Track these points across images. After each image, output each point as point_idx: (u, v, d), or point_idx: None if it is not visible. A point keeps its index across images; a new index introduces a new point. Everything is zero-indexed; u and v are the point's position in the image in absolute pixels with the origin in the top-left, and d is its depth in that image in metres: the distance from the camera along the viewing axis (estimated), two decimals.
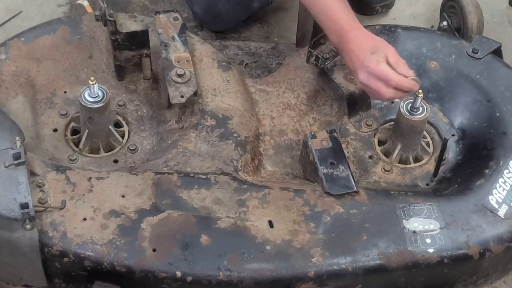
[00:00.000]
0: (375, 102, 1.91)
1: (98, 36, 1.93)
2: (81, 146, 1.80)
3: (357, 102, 1.88)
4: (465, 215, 1.66)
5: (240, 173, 1.71)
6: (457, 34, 2.22)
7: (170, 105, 1.81)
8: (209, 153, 1.74)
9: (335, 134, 1.74)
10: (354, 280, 1.60)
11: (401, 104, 1.78)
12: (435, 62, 1.93)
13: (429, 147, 1.88)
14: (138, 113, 1.89)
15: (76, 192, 1.61)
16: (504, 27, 2.47)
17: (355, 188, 1.67)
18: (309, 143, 1.72)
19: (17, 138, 1.60)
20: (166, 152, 1.76)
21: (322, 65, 1.91)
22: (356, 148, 1.87)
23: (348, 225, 1.63)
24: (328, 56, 1.91)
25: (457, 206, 1.68)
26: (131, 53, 1.86)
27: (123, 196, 1.62)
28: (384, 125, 1.91)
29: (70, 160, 1.78)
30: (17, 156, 1.55)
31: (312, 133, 1.74)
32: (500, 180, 1.72)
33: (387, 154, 1.86)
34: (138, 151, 1.83)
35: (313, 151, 1.70)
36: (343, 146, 1.79)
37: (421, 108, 1.77)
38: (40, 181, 1.60)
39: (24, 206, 1.50)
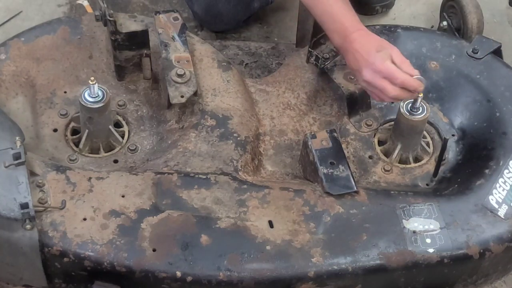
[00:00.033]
0: (375, 102, 1.91)
1: (98, 36, 1.93)
2: (81, 146, 1.80)
3: (357, 102, 1.88)
4: (465, 215, 1.66)
5: (240, 173, 1.71)
6: (457, 34, 2.22)
7: (170, 105, 1.81)
8: (209, 153, 1.74)
9: (335, 134, 1.74)
10: (354, 280, 1.60)
11: (401, 104, 1.78)
12: (435, 62, 1.93)
13: (429, 147, 1.88)
14: (138, 113, 1.89)
15: (76, 192, 1.61)
16: (504, 27, 2.47)
17: (355, 188, 1.67)
18: (309, 143, 1.72)
19: (17, 138, 1.60)
20: (166, 152, 1.76)
21: (322, 65, 1.91)
22: (356, 148, 1.87)
23: (348, 225, 1.63)
24: (328, 56, 1.91)
25: (457, 206, 1.68)
26: (131, 53, 1.86)
27: (123, 196, 1.62)
28: (384, 125, 1.91)
29: (70, 160, 1.78)
30: (17, 156, 1.55)
31: (312, 133, 1.74)
32: (500, 180, 1.72)
33: (387, 154, 1.86)
34: (138, 151, 1.83)
35: (313, 151, 1.70)
36: (343, 146, 1.79)
37: (421, 108, 1.77)
38: (40, 181, 1.60)
39: (24, 206, 1.50)
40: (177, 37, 1.87)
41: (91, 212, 1.58)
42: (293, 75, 1.96)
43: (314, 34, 1.91)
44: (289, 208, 1.64)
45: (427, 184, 1.81)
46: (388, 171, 1.83)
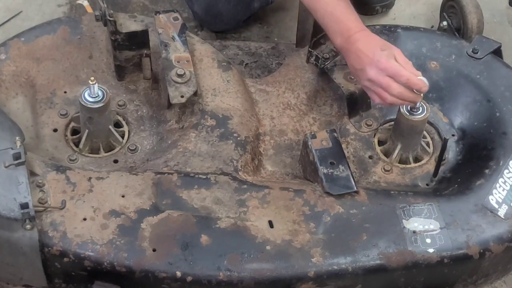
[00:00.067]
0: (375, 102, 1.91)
1: (98, 36, 1.93)
2: (81, 146, 1.80)
3: (357, 102, 1.88)
4: (465, 215, 1.66)
5: (240, 173, 1.71)
6: (457, 34, 2.22)
7: (170, 105, 1.81)
8: (209, 153, 1.74)
9: (335, 134, 1.74)
10: (354, 280, 1.60)
11: None
12: (435, 62, 1.93)
13: (429, 147, 1.88)
14: (138, 113, 1.89)
15: (76, 192, 1.61)
16: (504, 27, 2.47)
17: (355, 188, 1.67)
18: (309, 143, 1.72)
19: (17, 138, 1.60)
20: (166, 152, 1.76)
21: (322, 65, 1.91)
22: (356, 148, 1.87)
23: (348, 225, 1.63)
24: (328, 56, 1.91)
25: (457, 206, 1.68)
26: (131, 53, 1.86)
27: (123, 196, 1.62)
28: (384, 125, 1.91)
29: (70, 160, 1.78)
30: (17, 156, 1.55)
31: (312, 133, 1.74)
32: (500, 180, 1.72)
33: (387, 154, 1.86)
34: (138, 151, 1.83)
35: (313, 151, 1.70)
36: (343, 146, 1.79)
37: (421, 108, 1.77)
38: (40, 181, 1.60)
39: (24, 206, 1.50)
40: (177, 37, 1.87)
41: (91, 212, 1.58)
42: (293, 75, 1.96)
43: (314, 34, 1.91)
44: (289, 208, 1.64)
45: (427, 184, 1.81)
46: (388, 171, 1.83)
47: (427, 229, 1.63)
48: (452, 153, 1.86)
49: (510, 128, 1.81)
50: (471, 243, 1.63)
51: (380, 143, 1.89)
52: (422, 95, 1.73)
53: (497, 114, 1.84)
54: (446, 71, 1.92)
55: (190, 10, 2.35)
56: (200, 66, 1.89)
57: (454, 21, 2.26)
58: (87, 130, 1.77)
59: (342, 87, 1.87)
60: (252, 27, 2.39)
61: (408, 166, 1.84)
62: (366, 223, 1.63)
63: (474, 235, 1.64)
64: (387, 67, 1.68)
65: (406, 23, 2.22)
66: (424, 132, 1.85)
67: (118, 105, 1.89)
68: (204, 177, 1.67)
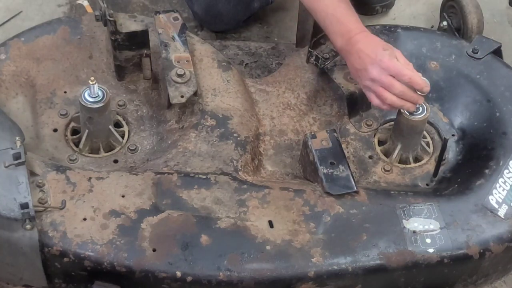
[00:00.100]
0: None
1: (98, 36, 1.93)
2: (81, 146, 1.80)
3: (357, 102, 1.88)
4: (465, 215, 1.66)
5: (240, 173, 1.71)
6: (457, 34, 2.22)
7: (170, 105, 1.81)
8: (209, 153, 1.74)
9: (335, 134, 1.74)
10: (354, 280, 1.60)
11: None
12: (435, 62, 1.93)
13: (429, 147, 1.88)
14: (138, 113, 1.89)
15: (76, 192, 1.61)
16: (504, 27, 2.47)
17: (355, 188, 1.67)
18: (309, 143, 1.72)
19: (17, 138, 1.60)
20: (166, 152, 1.76)
21: (322, 65, 1.91)
22: (356, 148, 1.87)
23: (348, 225, 1.63)
24: (328, 56, 1.91)
25: (457, 206, 1.68)
26: (131, 53, 1.86)
27: (123, 196, 1.62)
28: (384, 125, 1.91)
29: (70, 160, 1.78)
30: (17, 156, 1.55)
31: (312, 133, 1.74)
32: (500, 180, 1.72)
33: (387, 154, 1.86)
34: (138, 151, 1.83)
35: (313, 151, 1.70)
36: (343, 146, 1.79)
37: (421, 108, 1.76)
38: (40, 181, 1.60)
39: (24, 206, 1.50)
40: (177, 37, 1.87)
41: (91, 212, 1.58)
42: (293, 75, 1.96)
43: (314, 34, 1.91)
44: (289, 208, 1.64)
45: (427, 184, 1.81)
46: (388, 171, 1.83)
47: (427, 229, 1.63)
48: (452, 153, 1.86)
49: (510, 128, 1.81)
50: (471, 243, 1.63)
51: (380, 143, 1.89)
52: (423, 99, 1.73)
53: (497, 114, 1.84)
54: (446, 71, 1.92)
55: (190, 10, 2.35)
56: (200, 66, 1.89)
57: (454, 21, 2.26)
58: (87, 130, 1.77)
59: (342, 87, 1.87)
60: (252, 27, 2.39)
61: (408, 166, 1.84)
62: (366, 223, 1.63)
63: (474, 235, 1.64)
64: (389, 66, 1.69)
65: (406, 23, 2.22)
66: (424, 132, 1.85)
67: (118, 105, 1.89)
68: (204, 177, 1.67)
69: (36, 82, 1.87)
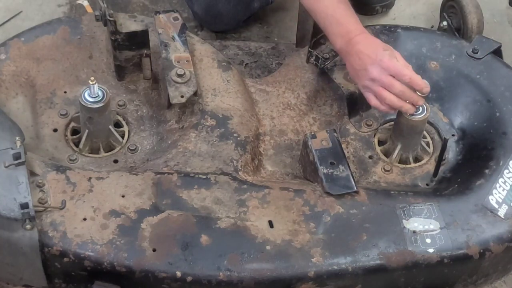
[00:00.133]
0: None
1: (98, 36, 1.93)
2: (81, 146, 1.80)
3: (357, 102, 1.88)
4: (465, 215, 1.66)
5: (240, 173, 1.71)
6: (457, 34, 2.22)
7: (170, 105, 1.81)
8: (209, 153, 1.74)
9: (335, 134, 1.74)
10: (354, 280, 1.60)
11: None
12: (435, 62, 1.93)
13: (429, 147, 1.88)
14: (138, 113, 1.89)
15: (76, 192, 1.61)
16: (504, 27, 2.47)
17: (355, 188, 1.67)
18: (309, 143, 1.72)
19: (17, 138, 1.60)
20: (166, 152, 1.76)
21: (322, 65, 1.91)
22: (356, 148, 1.87)
23: (348, 225, 1.63)
24: (328, 56, 1.91)
25: (457, 206, 1.68)
26: (131, 53, 1.86)
27: (123, 196, 1.62)
28: (384, 125, 1.91)
29: (70, 160, 1.78)
30: (17, 156, 1.55)
31: (312, 133, 1.74)
32: (500, 180, 1.72)
33: (387, 154, 1.86)
34: (138, 151, 1.83)
35: (313, 151, 1.70)
36: (343, 146, 1.79)
37: (421, 108, 1.76)
38: (40, 181, 1.60)
39: (24, 206, 1.50)
40: (177, 37, 1.87)
41: (91, 212, 1.58)
42: (293, 75, 1.96)
43: (314, 34, 1.91)
44: (289, 208, 1.64)
45: (427, 184, 1.81)
46: (388, 171, 1.83)
47: (427, 229, 1.63)
48: (452, 153, 1.86)
49: (510, 128, 1.81)
50: (471, 243, 1.63)
51: (380, 143, 1.89)
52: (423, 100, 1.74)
53: (497, 114, 1.84)
54: (446, 71, 1.92)
55: (190, 10, 2.35)
56: (200, 66, 1.89)
57: (454, 21, 2.26)
58: (87, 130, 1.77)
59: (342, 87, 1.87)
60: (252, 27, 2.39)
61: (408, 166, 1.84)
62: (366, 223, 1.63)
63: (474, 235, 1.64)
64: (390, 66, 1.69)
65: (406, 23, 2.22)
66: (424, 132, 1.85)
67: (118, 105, 1.89)
68: (204, 177, 1.67)
69: (36, 82, 1.87)
